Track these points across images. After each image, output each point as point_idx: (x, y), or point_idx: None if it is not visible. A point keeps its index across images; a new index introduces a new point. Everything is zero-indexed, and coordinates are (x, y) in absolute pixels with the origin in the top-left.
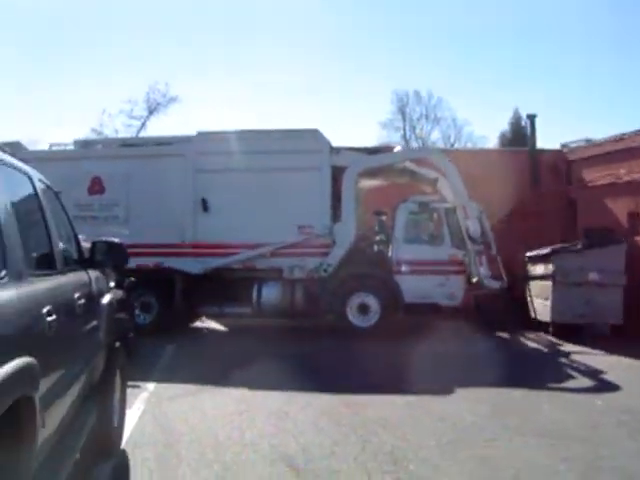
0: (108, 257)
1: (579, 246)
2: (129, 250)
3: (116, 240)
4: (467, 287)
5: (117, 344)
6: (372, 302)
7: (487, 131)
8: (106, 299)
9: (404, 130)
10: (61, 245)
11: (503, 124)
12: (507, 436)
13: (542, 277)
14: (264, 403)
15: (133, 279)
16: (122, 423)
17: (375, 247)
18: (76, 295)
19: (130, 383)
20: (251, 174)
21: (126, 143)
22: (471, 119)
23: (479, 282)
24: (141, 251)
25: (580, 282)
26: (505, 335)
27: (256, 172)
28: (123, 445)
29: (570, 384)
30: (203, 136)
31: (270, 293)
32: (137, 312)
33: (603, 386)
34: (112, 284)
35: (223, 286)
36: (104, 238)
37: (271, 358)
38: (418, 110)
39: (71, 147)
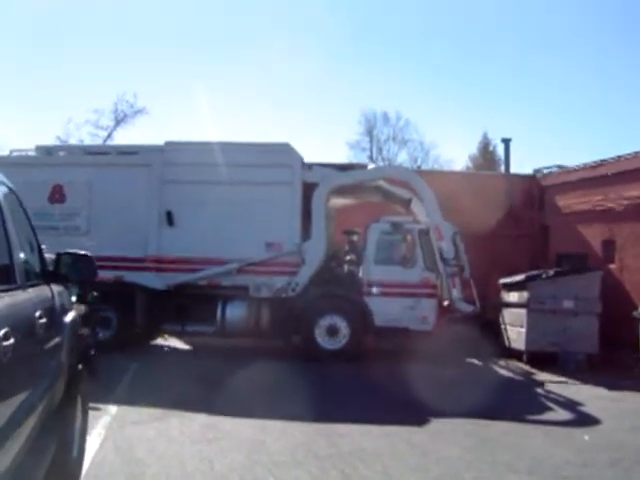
0: (74, 270)
1: (553, 273)
2: None
3: (83, 252)
4: (439, 310)
5: (79, 366)
6: (341, 324)
7: (454, 154)
8: (69, 317)
9: (371, 151)
10: (22, 256)
11: (470, 148)
12: (497, 473)
13: (516, 304)
14: (235, 431)
15: (96, 294)
16: (82, 453)
17: (345, 267)
18: (37, 314)
19: (90, 405)
20: (219, 187)
21: (90, 151)
22: (438, 142)
23: (451, 305)
24: (102, 264)
25: (555, 310)
26: (477, 362)
27: (224, 185)
28: (82, 477)
29: (553, 416)
30: (171, 146)
31: (235, 312)
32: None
33: (587, 419)
34: (74, 298)
35: (186, 303)
36: (70, 250)
37: (239, 381)
38: (386, 132)
39: (33, 153)
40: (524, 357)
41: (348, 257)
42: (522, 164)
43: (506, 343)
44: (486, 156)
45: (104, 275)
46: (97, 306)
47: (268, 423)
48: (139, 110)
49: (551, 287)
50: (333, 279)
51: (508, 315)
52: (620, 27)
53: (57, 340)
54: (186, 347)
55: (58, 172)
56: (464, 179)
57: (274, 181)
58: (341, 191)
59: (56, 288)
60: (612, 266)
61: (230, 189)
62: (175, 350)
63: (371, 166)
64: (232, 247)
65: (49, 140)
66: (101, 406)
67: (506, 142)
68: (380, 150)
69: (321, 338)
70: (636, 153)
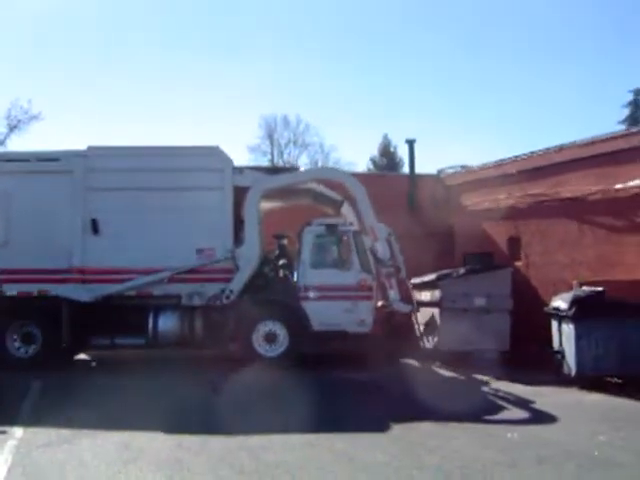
0: None
1: (464, 271)
2: (9, 276)
3: None
4: (376, 312)
5: None
6: (279, 330)
7: (355, 157)
8: None
9: (272, 155)
10: None
11: (371, 150)
12: (428, 477)
13: (428, 304)
14: (151, 449)
15: None
16: None
17: (280, 272)
18: None
19: None
20: (147, 193)
21: (8, 158)
22: (339, 145)
23: (387, 306)
24: (23, 277)
25: (467, 308)
26: (414, 363)
27: (152, 191)
28: None
29: (474, 415)
30: (94, 151)
31: (167, 322)
32: (17, 344)
33: (507, 416)
34: None
35: (115, 315)
36: None
37: (155, 394)
38: (286, 135)
39: None
40: (438, 356)
41: (280, 262)
42: (424, 165)
43: (420, 343)
44: (387, 157)
45: (26, 289)
46: (20, 321)
47: (185, 438)
48: (34, 116)
49: (463, 285)
50: (268, 284)
51: (421, 315)
52: (523, 31)
53: None
54: (93, 360)
55: None
56: (367, 180)
57: (204, 186)
58: (269, 195)
59: None
60: (518, 263)
61: (158, 195)
62: (83, 363)
63: (303, 168)
64: (162, 255)
65: None
66: (6, 429)
67: (410, 143)
68: (281, 154)
69: (259, 345)
70: (546, 149)
